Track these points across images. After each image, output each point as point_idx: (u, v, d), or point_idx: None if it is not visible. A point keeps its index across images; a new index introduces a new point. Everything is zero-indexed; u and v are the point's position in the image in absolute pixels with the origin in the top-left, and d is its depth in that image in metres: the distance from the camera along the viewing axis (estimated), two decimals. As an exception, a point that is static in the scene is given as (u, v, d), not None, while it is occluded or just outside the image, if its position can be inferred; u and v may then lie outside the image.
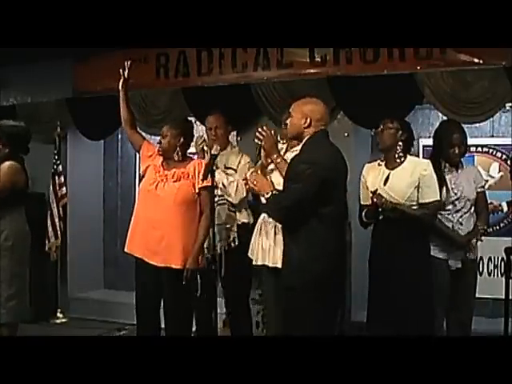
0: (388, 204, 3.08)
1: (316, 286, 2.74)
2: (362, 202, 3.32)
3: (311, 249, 2.78)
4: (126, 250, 3.48)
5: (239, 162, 3.78)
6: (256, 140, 3.18)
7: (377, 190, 3.16)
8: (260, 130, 3.16)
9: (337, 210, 2.83)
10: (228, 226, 3.72)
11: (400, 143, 3.20)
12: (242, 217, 3.79)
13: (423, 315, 3.08)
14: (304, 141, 2.88)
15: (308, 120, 2.85)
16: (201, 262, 3.34)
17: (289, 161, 2.98)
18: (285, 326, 2.95)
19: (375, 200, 3.13)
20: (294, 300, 2.82)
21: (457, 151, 3.37)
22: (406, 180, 3.13)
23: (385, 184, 3.17)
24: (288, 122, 2.96)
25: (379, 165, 3.29)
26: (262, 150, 3.21)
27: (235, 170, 3.75)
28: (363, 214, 3.25)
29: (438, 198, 3.16)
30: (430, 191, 3.12)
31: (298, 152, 2.94)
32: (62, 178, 5.33)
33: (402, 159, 3.20)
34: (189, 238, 3.31)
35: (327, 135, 2.94)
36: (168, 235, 3.30)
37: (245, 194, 3.67)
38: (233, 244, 3.73)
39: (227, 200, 3.71)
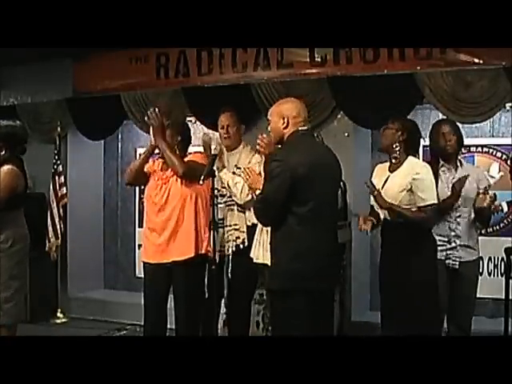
0: (386, 205, 3.04)
1: (296, 288, 2.69)
2: (371, 203, 3.24)
3: (289, 250, 2.72)
4: (142, 259, 3.65)
5: (249, 162, 3.71)
6: (258, 147, 3.08)
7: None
8: (260, 137, 3.04)
9: (317, 210, 2.72)
10: (237, 226, 3.71)
11: (397, 144, 3.11)
12: (252, 217, 3.77)
13: (429, 317, 3.05)
14: (284, 141, 2.83)
15: (285, 119, 2.79)
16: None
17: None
18: (272, 329, 2.93)
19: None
20: (276, 302, 2.78)
21: (448, 142, 3.35)
22: (398, 183, 3.06)
23: (383, 187, 3.11)
24: (269, 128, 2.91)
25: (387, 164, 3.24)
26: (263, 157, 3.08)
27: None
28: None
29: (435, 202, 3.04)
30: (424, 195, 3.01)
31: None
32: (62, 178, 5.33)
33: (401, 160, 3.12)
34: (198, 226, 3.51)
35: (310, 134, 2.89)
36: (181, 229, 3.46)
37: (251, 196, 3.62)
38: (242, 245, 3.69)
39: (235, 201, 3.69)
